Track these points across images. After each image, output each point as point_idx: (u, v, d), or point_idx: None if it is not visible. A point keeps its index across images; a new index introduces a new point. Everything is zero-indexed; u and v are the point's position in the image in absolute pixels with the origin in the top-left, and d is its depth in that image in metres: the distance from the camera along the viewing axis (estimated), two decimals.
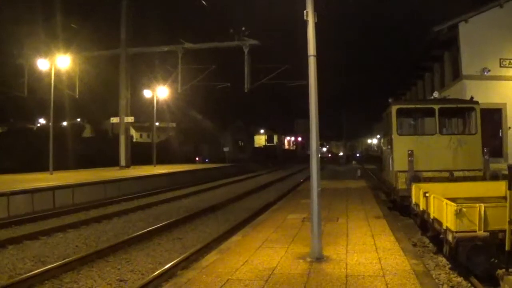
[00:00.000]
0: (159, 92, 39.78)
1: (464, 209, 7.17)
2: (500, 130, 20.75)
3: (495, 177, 12.70)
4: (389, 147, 15.47)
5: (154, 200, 20.04)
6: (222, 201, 19.65)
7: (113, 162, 35.49)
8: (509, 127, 20.62)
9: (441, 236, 8.12)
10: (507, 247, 6.22)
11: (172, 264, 8.77)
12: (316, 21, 7.60)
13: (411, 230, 11.69)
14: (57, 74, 28.72)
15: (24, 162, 32.69)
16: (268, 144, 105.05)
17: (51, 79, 27.30)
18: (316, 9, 7.61)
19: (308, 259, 7.44)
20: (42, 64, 28.85)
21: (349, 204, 14.74)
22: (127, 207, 17.73)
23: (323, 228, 8.63)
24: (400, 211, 14.21)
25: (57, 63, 28.28)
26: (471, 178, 13.01)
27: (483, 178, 12.98)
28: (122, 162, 34.46)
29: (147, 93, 40.42)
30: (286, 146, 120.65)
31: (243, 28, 29.31)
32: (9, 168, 28.22)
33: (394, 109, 14.61)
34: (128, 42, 34.51)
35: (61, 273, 8.54)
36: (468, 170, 13.59)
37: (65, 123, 61.91)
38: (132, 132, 66.41)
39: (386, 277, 6.42)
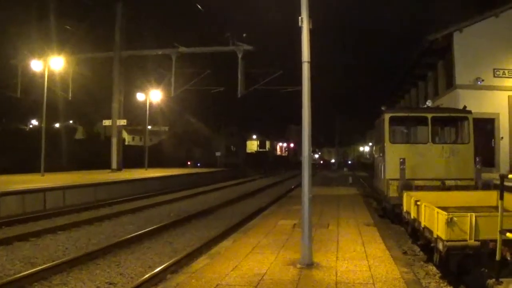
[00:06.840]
0: (153, 95, 39.58)
1: (455, 218, 7.17)
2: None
3: (487, 186, 12.73)
4: (381, 154, 15.49)
5: (145, 204, 19.95)
6: (213, 205, 19.61)
7: (105, 164, 35.30)
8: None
9: (432, 244, 8.12)
10: (497, 257, 6.22)
11: (161, 268, 8.73)
12: (311, 27, 7.61)
13: (401, 238, 11.70)
14: (51, 76, 28.57)
15: (16, 163, 32.44)
16: (261, 150, 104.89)
17: (44, 80, 27.19)
18: (311, 16, 7.61)
19: (298, 266, 7.42)
20: (36, 65, 28.70)
21: (340, 211, 14.74)
22: (118, 210, 17.66)
23: (313, 234, 8.61)
24: (391, 219, 14.21)
25: (50, 65, 28.15)
26: (463, 187, 13.03)
27: (475, 188, 13.01)
28: (114, 165, 34.20)
29: (140, 96, 40.25)
30: (278, 152, 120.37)
31: (244, 35, 29.30)
32: (0, 169, 27.98)
33: (387, 117, 14.64)
34: (122, 45, 34.39)
35: (51, 275, 8.48)
36: (460, 179, 13.62)
37: (57, 125, 61.67)
38: (125, 135, 66.32)
39: (376, 284, 6.41)
